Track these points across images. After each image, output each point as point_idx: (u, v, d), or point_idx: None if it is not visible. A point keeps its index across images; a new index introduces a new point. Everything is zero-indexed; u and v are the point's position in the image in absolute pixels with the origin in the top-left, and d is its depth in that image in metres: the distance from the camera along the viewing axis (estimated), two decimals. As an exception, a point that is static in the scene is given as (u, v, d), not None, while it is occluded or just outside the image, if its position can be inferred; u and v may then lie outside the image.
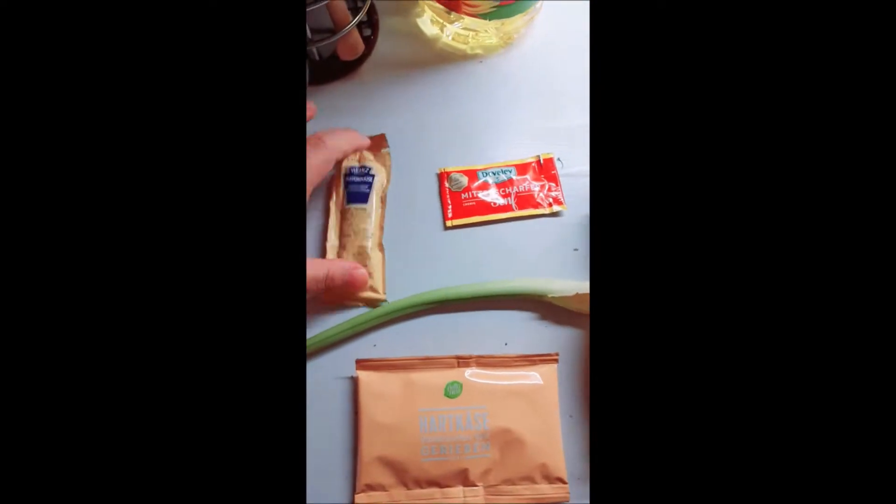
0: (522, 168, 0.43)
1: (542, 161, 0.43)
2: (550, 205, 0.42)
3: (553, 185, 0.43)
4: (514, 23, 0.45)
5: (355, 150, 0.42)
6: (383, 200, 0.42)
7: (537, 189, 0.42)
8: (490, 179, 0.43)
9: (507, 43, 0.47)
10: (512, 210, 0.42)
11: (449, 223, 0.41)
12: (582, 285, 0.38)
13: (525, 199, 0.42)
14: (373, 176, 0.41)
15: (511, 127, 0.45)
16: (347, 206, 0.41)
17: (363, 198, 0.41)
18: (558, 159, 0.44)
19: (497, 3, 0.42)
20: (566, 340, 0.39)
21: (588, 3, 0.48)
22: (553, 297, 0.39)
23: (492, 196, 0.42)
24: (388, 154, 0.43)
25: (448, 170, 0.43)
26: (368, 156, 0.43)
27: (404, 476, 0.35)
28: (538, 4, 0.45)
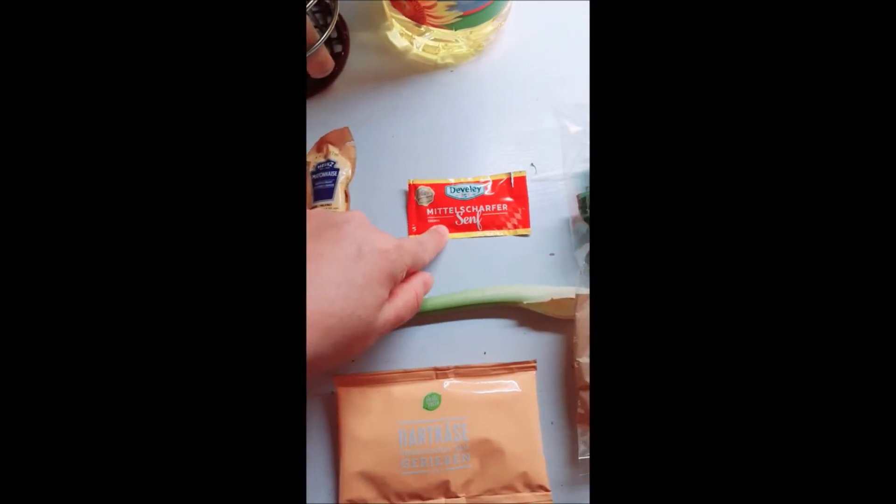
0: (492, 186, 0.43)
1: (512, 180, 0.43)
2: (515, 226, 0.42)
3: (522, 208, 0.42)
4: (483, 30, 0.45)
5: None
6: (347, 195, 0.42)
7: (504, 210, 0.42)
8: (458, 195, 0.43)
9: (478, 51, 0.47)
10: (476, 230, 0.42)
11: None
12: (557, 290, 0.38)
13: (490, 220, 0.42)
14: (337, 170, 0.42)
15: (484, 133, 0.45)
16: (314, 205, 0.41)
17: (328, 193, 0.41)
18: (532, 164, 0.43)
19: (461, 13, 0.42)
20: (545, 346, 0.39)
21: (558, 6, 0.48)
22: (529, 304, 0.39)
23: (457, 215, 0.42)
24: (353, 146, 0.43)
25: (417, 182, 0.43)
26: (333, 150, 0.43)
27: (386, 490, 0.36)
28: (504, 11, 0.45)
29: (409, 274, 0.37)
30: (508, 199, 0.43)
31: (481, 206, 0.42)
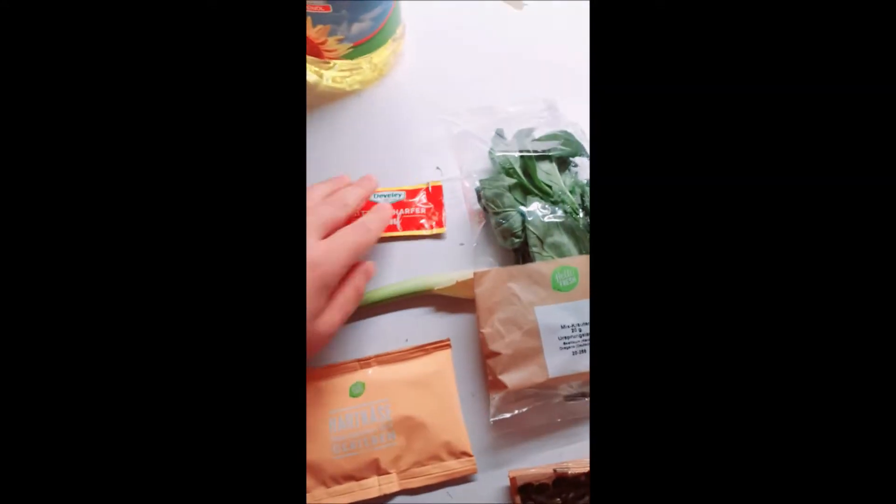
0: (412, 193, 0.47)
1: (430, 189, 0.47)
2: (432, 227, 0.46)
3: (438, 212, 0.47)
4: (382, 55, 0.50)
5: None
6: None
7: (423, 213, 0.46)
8: (381, 200, 0.47)
9: (383, 74, 0.52)
10: (397, 230, 0.46)
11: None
12: (460, 274, 0.42)
13: (410, 221, 0.46)
14: None
15: (393, 146, 0.49)
16: None
17: None
18: (437, 168, 0.48)
19: (351, 45, 0.47)
20: (459, 326, 0.42)
21: (450, 20, 0.53)
22: (439, 289, 0.42)
23: None
24: None
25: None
26: None
27: (322, 475, 0.38)
28: (398, 34, 0.50)
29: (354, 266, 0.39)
30: (426, 203, 0.47)
31: (401, 210, 0.46)
